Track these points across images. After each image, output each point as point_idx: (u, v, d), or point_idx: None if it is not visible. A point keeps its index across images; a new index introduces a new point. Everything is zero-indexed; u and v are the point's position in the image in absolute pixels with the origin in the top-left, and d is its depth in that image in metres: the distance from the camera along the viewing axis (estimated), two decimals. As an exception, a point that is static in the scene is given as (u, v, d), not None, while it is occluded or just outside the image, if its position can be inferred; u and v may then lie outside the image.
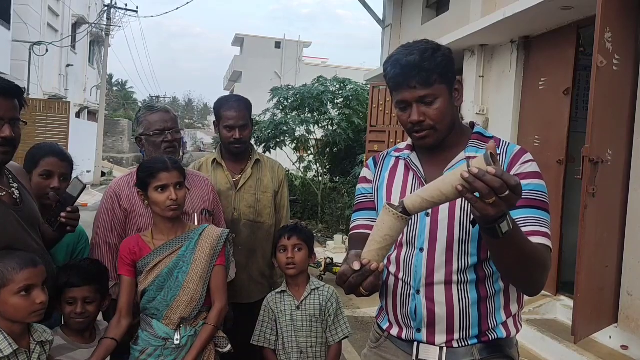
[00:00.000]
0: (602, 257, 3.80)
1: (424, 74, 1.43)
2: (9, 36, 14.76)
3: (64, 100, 17.68)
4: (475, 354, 1.50)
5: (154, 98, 38.62)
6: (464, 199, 1.20)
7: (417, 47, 1.47)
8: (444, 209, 1.47)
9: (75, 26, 21.85)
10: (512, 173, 1.45)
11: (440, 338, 1.51)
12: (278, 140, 10.86)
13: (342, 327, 2.34)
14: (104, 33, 23.20)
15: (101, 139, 22.68)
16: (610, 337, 4.03)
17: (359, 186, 1.70)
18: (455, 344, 1.50)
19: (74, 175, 2.30)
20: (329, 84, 11.01)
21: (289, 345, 2.28)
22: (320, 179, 11.94)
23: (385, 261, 1.46)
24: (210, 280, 2.08)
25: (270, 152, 10.70)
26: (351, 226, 1.67)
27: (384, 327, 1.63)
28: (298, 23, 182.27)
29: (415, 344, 1.54)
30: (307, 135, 11.12)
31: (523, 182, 1.28)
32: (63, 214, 1.91)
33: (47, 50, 16.29)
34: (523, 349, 4.20)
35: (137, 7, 24.09)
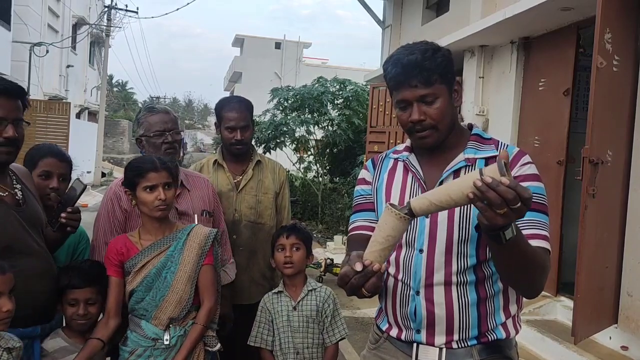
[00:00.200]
0: (602, 258, 3.80)
1: (425, 73, 1.44)
2: (9, 37, 14.77)
3: (64, 101, 17.69)
4: (475, 355, 1.50)
5: (154, 99, 38.62)
6: None
7: (417, 47, 1.48)
8: None
9: (76, 27, 21.86)
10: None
11: (440, 339, 1.51)
12: (278, 140, 10.87)
13: (340, 329, 2.34)
14: (104, 34, 23.21)
15: (101, 140, 22.69)
16: (610, 338, 4.03)
17: (357, 187, 1.70)
18: (454, 345, 1.50)
19: (74, 176, 2.30)
20: (329, 85, 11.02)
21: (285, 346, 2.28)
22: (320, 179, 11.95)
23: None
24: (199, 279, 2.07)
25: (270, 153, 10.71)
26: (350, 227, 1.67)
27: (383, 328, 1.63)
28: (298, 23, 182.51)
29: (415, 345, 1.54)
30: (307, 135, 11.12)
31: (522, 184, 1.29)
32: (63, 215, 1.91)
33: (47, 51, 16.30)
34: (523, 350, 4.20)
35: (137, 8, 24.05)
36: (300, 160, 12.21)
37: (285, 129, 10.72)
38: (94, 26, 22.87)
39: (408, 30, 8.61)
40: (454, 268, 1.48)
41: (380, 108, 7.92)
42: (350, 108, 10.76)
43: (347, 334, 2.38)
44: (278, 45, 33.93)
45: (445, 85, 1.48)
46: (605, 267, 3.86)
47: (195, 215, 2.34)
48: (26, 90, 1.97)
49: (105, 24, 22.78)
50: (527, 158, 1.50)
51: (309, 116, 10.84)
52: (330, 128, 10.90)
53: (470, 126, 1.62)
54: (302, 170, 12.36)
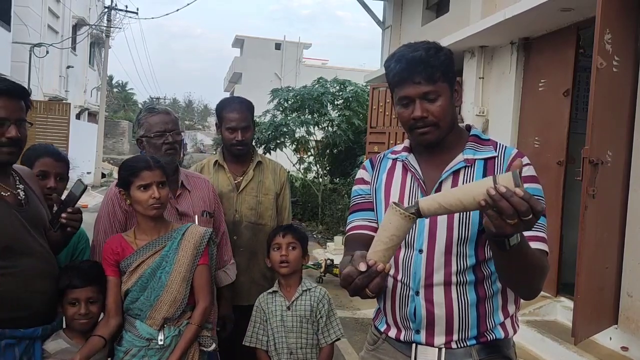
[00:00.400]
0: (602, 258, 3.81)
1: (429, 70, 1.44)
2: (9, 38, 14.78)
3: (64, 101, 17.71)
4: (474, 355, 1.50)
5: (154, 99, 38.65)
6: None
7: (421, 45, 1.48)
8: None
9: (76, 28, 21.89)
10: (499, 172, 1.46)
11: (440, 339, 1.51)
12: (278, 141, 10.89)
13: (335, 329, 2.32)
14: (104, 35, 23.22)
15: (101, 141, 22.69)
16: (610, 339, 4.03)
17: (355, 187, 1.69)
18: (454, 345, 1.50)
19: (74, 176, 2.30)
20: (329, 85, 11.04)
21: (279, 346, 2.28)
22: (320, 180, 11.96)
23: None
24: (194, 279, 2.07)
25: (270, 154, 10.72)
26: (348, 227, 1.65)
27: (382, 329, 1.62)
28: (298, 24, 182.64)
29: (414, 345, 1.53)
30: (307, 136, 11.14)
31: None
32: (64, 215, 1.91)
33: (47, 52, 16.32)
34: (523, 350, 4.21)
35: (138, 9, 24.07)
36: (300, 161, 12.22)
37: (285, 129, 10.74)
38: (94, 27, 22.89)
39: (408, 31, 8.62)
40: (454, 268, 1.48)
41: (380, 109, 7.92)
42: (350, 109, 10.78)
43: (343, 334, 2.36)
44: (278, 46, 33.95)
45: (447, 84, 1.49)
46: (605, 267, 3.86)
47: (196, 216, 2.34)
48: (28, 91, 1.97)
49: (105, 25, 22.79)
50: (525, 160, 1.50)
51: (309, 117, 10.86)
52: (330, 129, 10.91)
53: (469, 127, 1.62)
54: (302, 171, 12.38)
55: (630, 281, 3.93)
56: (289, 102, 11.05)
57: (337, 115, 10.94)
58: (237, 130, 2.68)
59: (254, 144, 2.95)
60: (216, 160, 2.81)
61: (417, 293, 1.50)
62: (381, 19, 9.75)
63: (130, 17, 24.04)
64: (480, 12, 6.19)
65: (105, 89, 23.74)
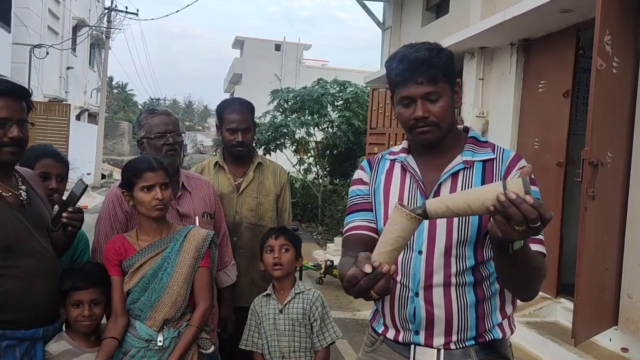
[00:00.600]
0: (602, 260, 3.81)
1: (432, 70, 1.45)
2: (9, 39, 14.79)
3: (64, 102, 17.73)
4: (473, 355, 1.51)
5: (154, 100, 38.67)
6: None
7: (423, 46, 1.49)
8: None
9: (76, 29, 21.90)
10: (509, 178, 1.46)
11: (439, 340, 1.51)
12: (278, 142, 10.89)
13: (330, 332, 2.29)
14: (104, 36, 23.24)
15: (101, 142, 22.69)
16: (610, 340, 4.03)
17: (353, 188, 1.68)
18: (452, 346, 1.51)
19: (75, 178, 2.31)
20: (328, 87, 11.05)
21: (272, 350, 2.26)
22: (320, 181, 11.96)
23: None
24: (194, 281, 2.07)
25: (270, 155, 10.72)
26: (347, 227, 1.64)
27: (380, 331, 1.62)
28: (298, 25, 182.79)
29: (412, 346, 1.54)
30: (307, 137, 11.14)
31: None
32: (64, 214, 1.91)
33: (47, 53, 16.33)
34: (523, 352, 4.21)
35: (138, 10, 24.10)
36: (300, 162, 12.22)
37: (285, 130, 10.74)
38: (94, 28, 22.90)
39: (408, 32, 8.62)
40: (453, 269, 1.48)
41: (380, 110, 7.93)
42: (350, 110, 10.78)
43: (338, 337, 2.34)
44: (278, 47, 33.98)
45: (448, 85, 1.49)
46: (605, 268, 3.86)
47: (197, 217, 2.34)
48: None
49: (105, 26, 22.81)
50: (523, 162, 1.51)
51: (309, 118, 10.86)
52: (330, 130, 10.92)
53: (466, 129, 1.63)
54: (302, 172, 12.38)
55: (630, 282, 3.94)
56: (289, 103, 11.06)
57: (337, 116, 10.95)
58: (237, 131, 2.68)
59: (253, 145, 2.95)
60: (216, 162, 2.81)
61: (417, 294, 1.51)
62: (381, 20, 9.76)
63: (130, 18, 24.09)
64: (480, 13, 6.19)
65: (105, 90, 23.75)
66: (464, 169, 1.51)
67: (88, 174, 20.29)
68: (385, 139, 7.77)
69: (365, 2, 9.58)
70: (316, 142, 11.56)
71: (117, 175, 22.49)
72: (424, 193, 1.52)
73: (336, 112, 11.05)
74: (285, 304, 2.28)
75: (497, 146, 1.57)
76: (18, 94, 1.80)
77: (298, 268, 2.50)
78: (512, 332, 1.57)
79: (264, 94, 12.51)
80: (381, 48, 9.66)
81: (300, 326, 2.26)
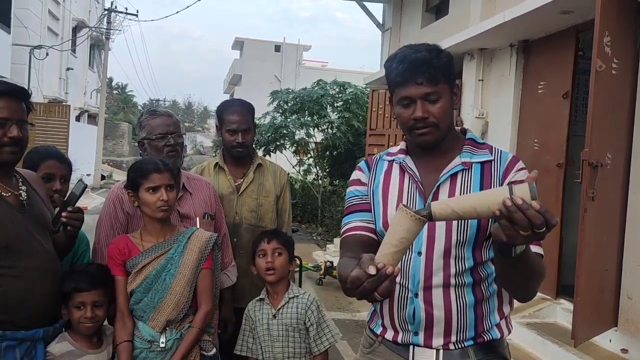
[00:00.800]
0: (602, 260, 3.81)
1: (432, 71, 1.45)
2: (9, 40, 14.79)
3: (64, 103, 17.72)
4: (472, 355, 1.52)
5: (154, 101, 38.67)
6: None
7: (423, 46, 1.49)
8: None
9: (76, 30, 21.91)
10: (507, 180, 1.47)
11: (438, 341, 1.51)
12: (278, 143, 10.89)
13: (327, 336, 2.24)
14: (104, 37, 23.25)
15: (101, 142, 22.70)
16: (610, 341, 4.04)
17: (351, 188, 1.68)
18: (451, 346, 1.51)
19: (75, 179, 2.31)
20: (328, 88, 11.06)
21: (266, 355, 2.24)
22: (320, 182, 11.96)
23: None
24: (197, 283, 2.08)
25: (270, 156, 10.73)
26: (345, 228, 1.63)
27: (377, 332, 1.62)
28: (298, 26, 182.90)
29: (411, 347, 1.54)
30: (306, 138, 11.15)
31: None
32: (64, 214, 1.91)
33: (47, 54, 16.33)
34: (523, 352, 4.21)
35: (137, 11, 24.10)
36: (300, 162, 12.23)
37: (285, 131, 10.75)
38: (93, 29, 22.91)
39: (407, 33, 8.63)
40: (452, 270, 1.49)
41: (379, 111, 7.94)
42: (350, 111, 10.79)
43: (337, 340, 2.32)
44: (278, 48, 34.00)
45: (447, 86, 1.50)
46: (605, 269, 3.86)
47: (197, 218, 2.34)
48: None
49: (105, 27, 22.82)
50: (521, 164, 1.52)
51: (309, 119, 10.87)
52: (330, 131, 10.93)
53: (464, 131, 1.63)
54: (302, 173, 12.39)
55: (630, 283, 3.94)
56: (289, 104, 11.07)
57: (336, 117, 10.96)
58: (237, 132, 2.68)
59: (253, 146, 2.95)
60: (216, 163, 2.82)
61: (416, 295, 1.51)
62: (381, 21, 9.77)
63: (130, 20, 24.10)
64: (479, 14, 6.20)
65: (105, 91, 23.76)
66: (462, 170, 1.52)
67: (88, 174, 20.29)
68: (384, 140, 7.78)
69: (365, 3, 9.59)
70: (316, 143, 11.57)
71: (117, 176, 22.51)
72: (422, 194, 1.52)
73: (336, 113, 11.06)
74: (279, 309, 2.25)
75: (495, 148, 1.58)
76: (18, 95, 1.81)
77: (291, 271, 2.47)
78: (509, 332, 1.58)
79: (263, 95, 12.52)
80: (381, 49, 9.67)
81: (295, 331, 2.23)
